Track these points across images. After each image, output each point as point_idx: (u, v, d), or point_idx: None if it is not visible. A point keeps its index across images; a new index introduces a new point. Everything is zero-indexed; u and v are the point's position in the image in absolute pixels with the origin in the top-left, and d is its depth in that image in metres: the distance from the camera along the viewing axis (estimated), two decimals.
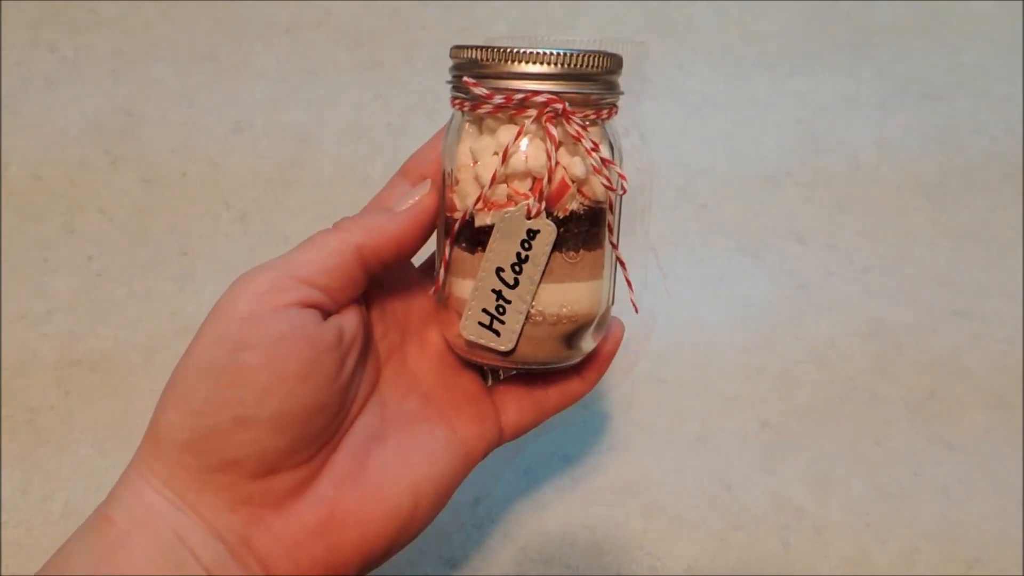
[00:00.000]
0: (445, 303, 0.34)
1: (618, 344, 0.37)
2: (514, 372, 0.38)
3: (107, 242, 0.57)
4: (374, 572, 0.34)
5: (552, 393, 0.37)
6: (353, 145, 0.61)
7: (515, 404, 0.36)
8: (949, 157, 0.61)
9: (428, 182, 0.33)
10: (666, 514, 0.50)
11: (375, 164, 0.60)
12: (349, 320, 0.32)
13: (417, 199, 0.33)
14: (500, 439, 0.36)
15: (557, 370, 0.36)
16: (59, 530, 0.48)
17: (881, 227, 0.59)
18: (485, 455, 0.35)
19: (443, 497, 0.33)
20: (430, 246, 0.36)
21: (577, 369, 0.37)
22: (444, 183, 0.33)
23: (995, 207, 0.60)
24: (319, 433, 0.30)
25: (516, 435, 0.37)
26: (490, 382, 0.38)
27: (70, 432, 0.51)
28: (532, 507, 0.50)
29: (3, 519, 0.49)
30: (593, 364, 0.37)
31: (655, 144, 0.60)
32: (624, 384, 0.54)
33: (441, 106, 0.62)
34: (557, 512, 0.50)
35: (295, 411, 0.29)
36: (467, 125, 0.32)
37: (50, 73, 0.62)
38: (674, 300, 0.56)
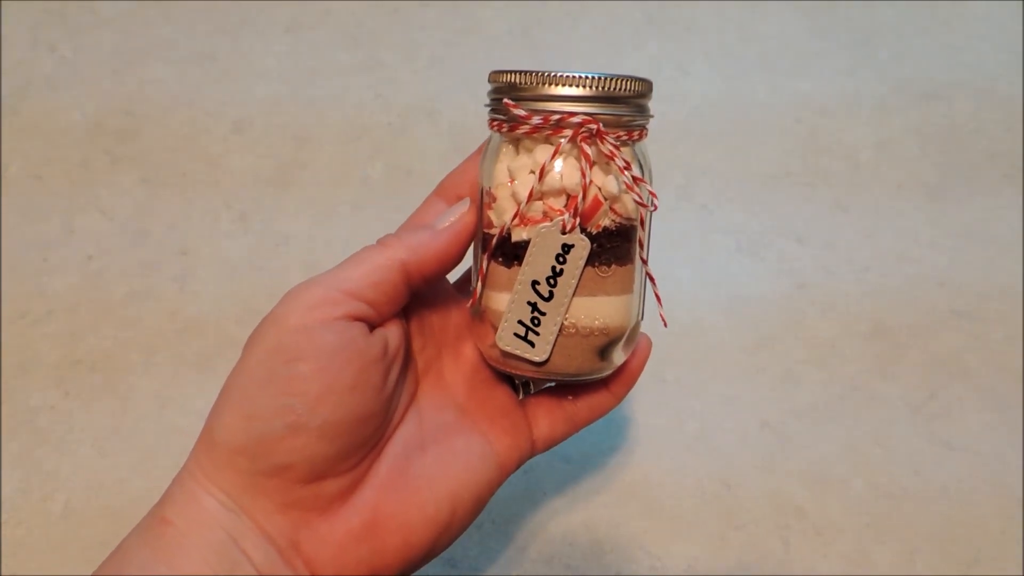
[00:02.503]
0: (481, 316, 0.35)
1: (646, 359, 0.38)
2: (546, 385, 0.39)
3: (107, 242, 0.57)
4: None
5: (582, 406, 0.38)
6: (353, 145, 0.61)
7: (546, 417, 0.37)
8: (949, 157, 0.61)
9: (467, 200, 0.35)
10: (666, 514, 0.50)
11: (375, 164, 0.60)
12: (393, 333, 0.33)
13: (457, 216, 0.34)
14: (532, 451, 0.37)
15: (587, 383, 0.37)
16: (59, 530, 0.49)
17: (881, 227, 0.59)
18: (518, 466, 0.36)
19: (479, 505, 0.34)
20: (463, 264, 0.36)
21: (606, 383, 0.38)
22: (481, 200, 0.34)
23: (995, 207, 0.60)
24: (365, 441, 0.32)
25: (547, 447, 0.38)
26: (521, 395, 0.39)
27: (70, 432, 0.51)
28: (532, 507, 0.50)
29: (3, 519, 0.49)
30: (621, 378, 0.38)
31: (655, 145, 0.60)
32: None
33: (441, 106, 0.62)
34: (557, 512, 0.50)
35: (344, 420, 0.30)
36: (504, 145, 0.34)
37: (50, 73, 0.62)
38: (674, 300, 0.56)
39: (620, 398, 0.38)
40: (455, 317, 0.38)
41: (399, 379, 0.34)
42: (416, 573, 0.34)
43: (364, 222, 0.58)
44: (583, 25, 0.64)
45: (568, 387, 0.38)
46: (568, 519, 0.50)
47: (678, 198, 0.60)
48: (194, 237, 0.57)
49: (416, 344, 0.36)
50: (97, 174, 0.59)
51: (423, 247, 0.33)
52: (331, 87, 0.62)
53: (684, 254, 0.58)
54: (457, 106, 0.62)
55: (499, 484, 0.35)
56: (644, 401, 0.53)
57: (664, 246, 0.58)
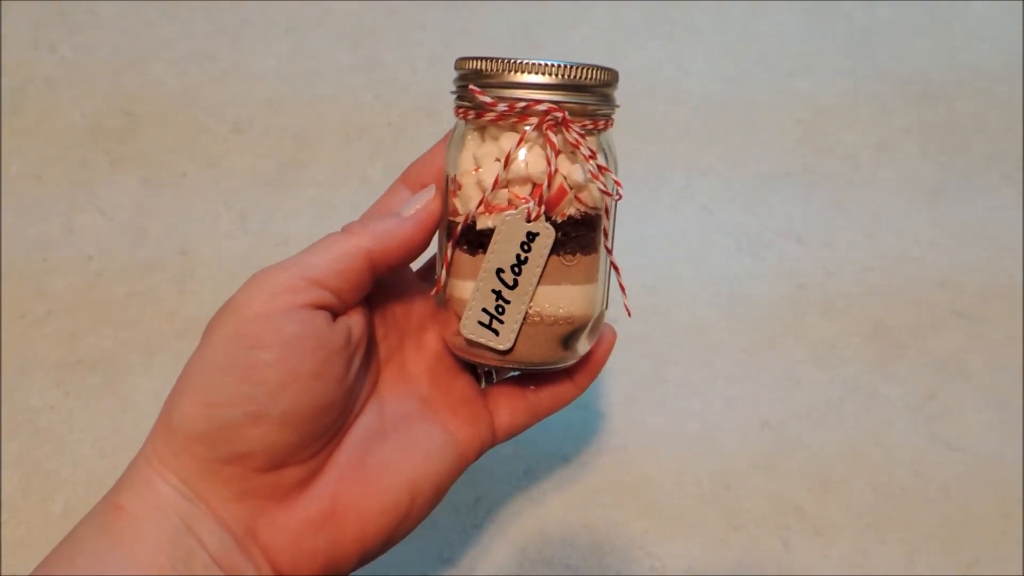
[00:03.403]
0: (445, 304, 0.35)
1: (610, 349, 0.37)
2: (509, 374, 0.39)
3: (107, 242, 0.57)
4: (375, 573, 0.34)
5: (544, 396, 0.38)
6: (353, 145, 0.61)
7: (508, 407, 0.37)
8: (949, 157, 0.61)
9: (433, 187, 0.34)
10: (666, 514, 0.50)
11: (375, 164, 0.60)
12: (356, 322, 0.33)
13: (423, 204, 0.34)
14: (493, 440, 0.37)
15: (551, 372, 0.37)
16: (59, 530, 0.48)
17: (881, 227, 0.59)
18: (479, 456, 0.36)
19: (438, 495, 0.34)
20: (426, 253, 0.36)
21: (569, 373, 0.37)
22: (447, 188, 0.34)
23: (995, 207, 0.60)
24: (325, 430, 0.32)
25: (508, 437, 0.38)
26: (484, 384, 0.38)
27: (70, 432, 0.51)
28: (532, 507, 0.50)
29: (3, 519, 0.49)
30: (585, 368, 0.37)
31: (655, 145, 0.60)
32: (624, 384, 0.54)
33: (441, 106, 0.62)
34: (557, 512, 0.50)
35: (305, 409, 0.30)
36: (470, 133, 0.34)
37: (50, 73, 0.62)
38: (674, 300, 0.56)
39: (583, 388, 0.38)
40: (418, 305, 0.37)
41: (361, 368, 0.33)
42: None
43: None
44: (583, 25, 0.64)
45: (531, 376, 0.38)
46: (568, 519, 0.50)
47: (678, 198, 0.60)
48: (194, 237, 0.57)
49: (378, 332, 0.36)
50: (97, 174, 0.59)
51: (388, 235, 0.33)
52: (331, 87, 0.62)
53: (684, 254, 0.58)
54: None
55: (459, 473, 0.35)
56: (644, 401, 0.53)
57: (664, 246, 0.58)
